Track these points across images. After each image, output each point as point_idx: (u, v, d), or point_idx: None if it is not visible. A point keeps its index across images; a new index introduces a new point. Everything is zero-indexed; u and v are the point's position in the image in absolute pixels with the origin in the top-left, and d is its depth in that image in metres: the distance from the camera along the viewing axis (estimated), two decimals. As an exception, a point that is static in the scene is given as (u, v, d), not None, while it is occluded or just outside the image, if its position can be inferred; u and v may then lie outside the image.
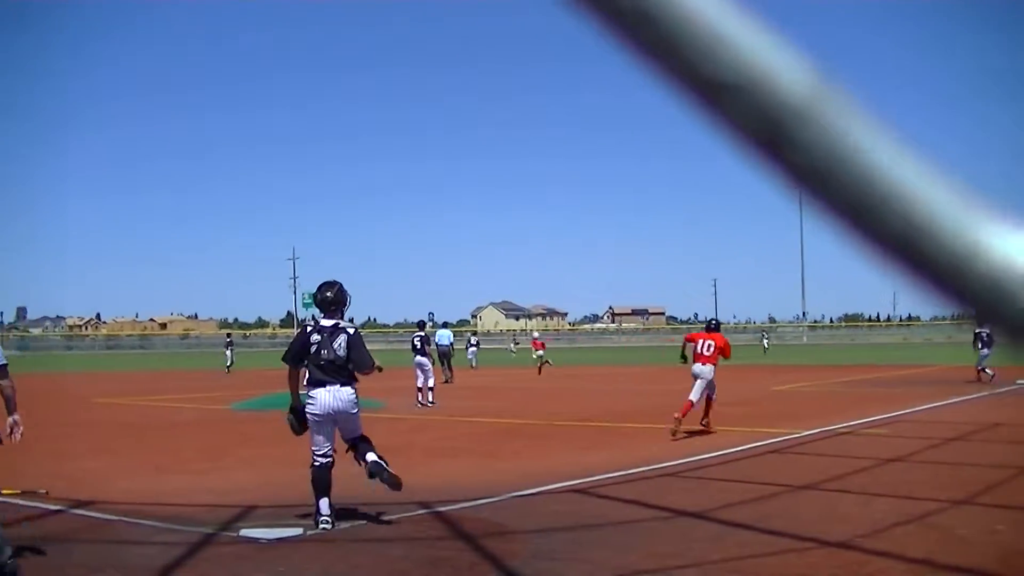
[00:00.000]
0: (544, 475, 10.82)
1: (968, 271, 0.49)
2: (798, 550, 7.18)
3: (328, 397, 8.42)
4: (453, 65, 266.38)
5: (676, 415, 14.51)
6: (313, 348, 8.58)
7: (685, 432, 14.39)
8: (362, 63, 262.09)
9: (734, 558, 6.96)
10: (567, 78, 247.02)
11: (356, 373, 8.64)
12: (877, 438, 14.42)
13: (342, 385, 8.48)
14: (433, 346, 28.22)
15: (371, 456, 8.48)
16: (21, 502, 9.40)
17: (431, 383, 22.10)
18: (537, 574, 6.75)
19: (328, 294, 8.87)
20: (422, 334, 23.09)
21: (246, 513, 8.83)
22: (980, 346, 25.79)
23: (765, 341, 75.41)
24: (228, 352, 44.11)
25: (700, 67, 0.50)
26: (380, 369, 9.33)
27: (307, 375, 8.76)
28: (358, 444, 8.60)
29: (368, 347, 9.00)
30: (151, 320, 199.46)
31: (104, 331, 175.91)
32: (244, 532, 7.98)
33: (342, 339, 8.57)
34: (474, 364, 44.02)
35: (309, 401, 8.49)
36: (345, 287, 8.96)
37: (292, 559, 7.19)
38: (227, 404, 22.55)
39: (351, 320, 9.24)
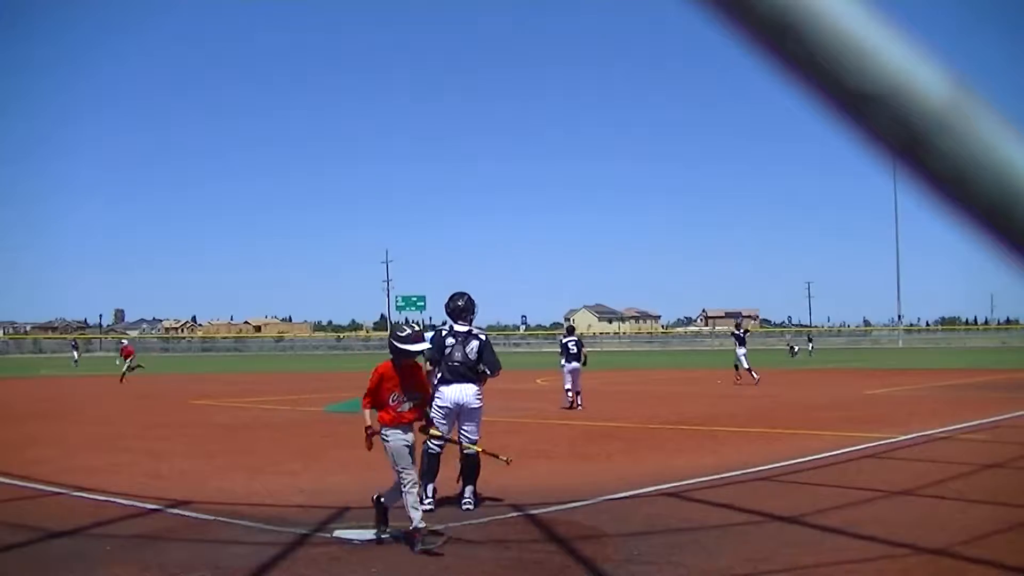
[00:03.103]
0: (637, 478, 10.82)
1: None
2: (893, 556, 7.09)
3: (455, 392, 9.46)
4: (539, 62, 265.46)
5: None
6: (447, 350, 9.63)
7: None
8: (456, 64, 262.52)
9: (827, 563, 6.88)
10: (646, 77, 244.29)
11: (487, 374, 9.72)
12: (976, 443, 14.12)
13: (469, 383, 9.53)
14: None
15: (468, 491, 9.36)
16: (121, 501, 9.69)
17: (578, 387, 22.07)
18: (629, 577, 6.76)
19: (460, 303, 9.99)
20: (575, 338, 22.54)
21: (339, 514, 8.94)
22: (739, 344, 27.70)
23: (795, 346, 71.90)
24: None
25: (841, 78, 0.52)
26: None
27: (439, 374, 9.63)
28: (466, 476, 9.42)
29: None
30: (246, 323, 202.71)
31: (200, 333, 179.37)
32: (338, 533, 8.08)
33: (474, 344, 9.71)
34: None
35: (437, 395, 9.35)
36: (473, 297, 10.05)
37: (385, 560, 7.27)
38: (320, 406, 22.87)
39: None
